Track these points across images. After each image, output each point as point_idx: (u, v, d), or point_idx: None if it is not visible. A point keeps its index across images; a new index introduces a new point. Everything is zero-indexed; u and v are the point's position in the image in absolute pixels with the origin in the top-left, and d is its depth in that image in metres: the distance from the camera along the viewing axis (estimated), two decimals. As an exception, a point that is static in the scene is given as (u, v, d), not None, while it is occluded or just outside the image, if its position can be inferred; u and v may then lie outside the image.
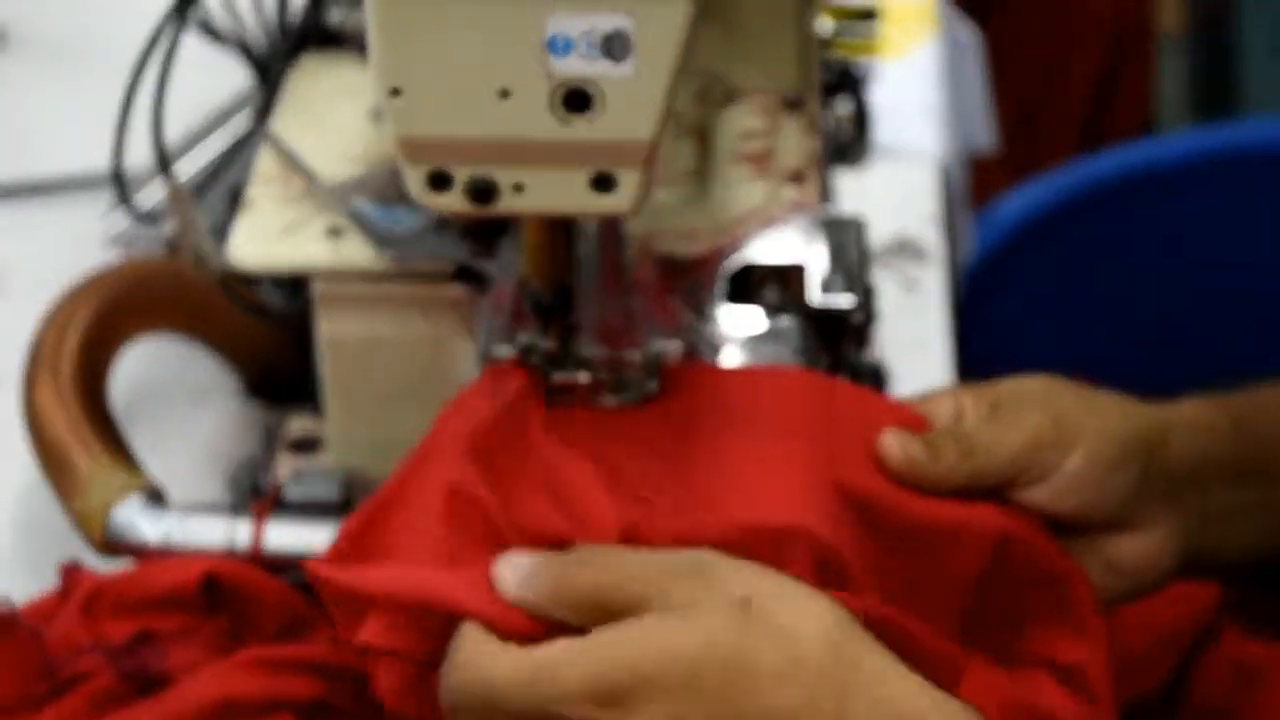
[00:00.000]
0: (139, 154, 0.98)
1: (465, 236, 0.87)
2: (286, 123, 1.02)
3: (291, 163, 0.99)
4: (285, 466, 1.01)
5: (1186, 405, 0.88)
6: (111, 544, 0.96)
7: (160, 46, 0.95)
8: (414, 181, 0.79)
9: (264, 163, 0.99)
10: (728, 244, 0.92)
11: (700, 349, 0.88)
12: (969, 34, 1.55)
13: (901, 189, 1.33)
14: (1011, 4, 2.22)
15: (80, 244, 1.23)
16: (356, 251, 0.93)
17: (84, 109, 1.10)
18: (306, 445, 1.03)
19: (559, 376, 0.85)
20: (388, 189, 0.96)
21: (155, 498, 0.98)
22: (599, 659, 0.69)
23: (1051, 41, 2.27)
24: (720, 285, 0.90)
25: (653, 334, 0.87)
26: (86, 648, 0.89)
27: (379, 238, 0.93)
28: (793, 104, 1.02)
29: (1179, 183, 1.87)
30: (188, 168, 1.13)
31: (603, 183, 0.79)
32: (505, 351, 0.85)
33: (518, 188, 0.79)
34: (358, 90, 1.01)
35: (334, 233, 0.94)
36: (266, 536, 0.96)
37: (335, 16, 1.05)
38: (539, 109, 0.77)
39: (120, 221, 1.23)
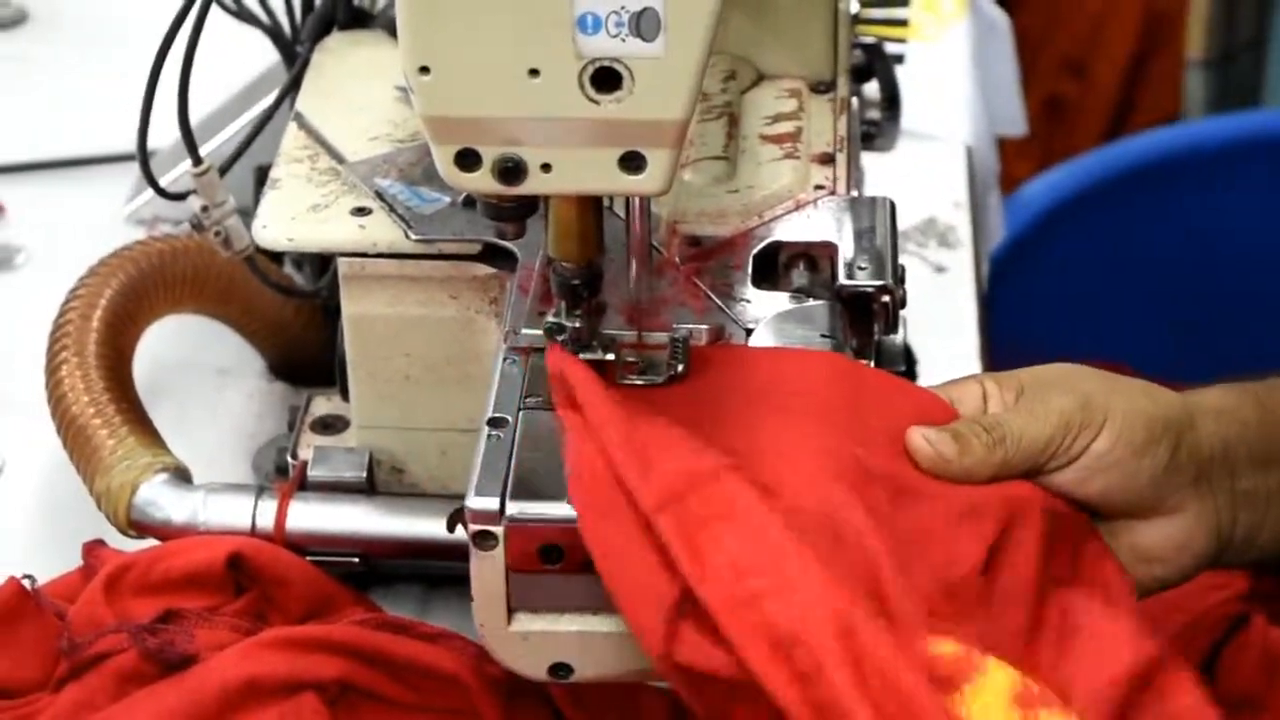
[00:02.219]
0: (164, 133, 0.99)
1: (492, 216, 0.86)
2: (313, 102, 1.02)
3: (318, 142, 0.99)
4: (309, 447, 1.01)
5: (1212, 391, 0.88)
6: (136, 523, 0.97)
7: (186, 25, 0.94)
8: (442, 160, 0.79)
9: (290, 142, 0.99)
10: (756, 226, 0.92)
11: (728, 330, 0.87)
12: (1000, 17, 1.55)
13: (930, 173, 1.33)
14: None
15: (104, 222, 1.25)
16: (383, 231, 0.93)
17: (108, 88, 1.13)
18: (330, 425, 1.04)
19: (585, 357, 0.85)
20: (414, 168, 0.96)
21: (180, 477, 0.98)
22: None
23: (1080, 32, 2.28)
24: (748, 267, 0.90)
25: (680, 315, 0.87)
26: (110, 627, 0.90)
27: (405, 217, 0.93)
28: (822, 86, 1.02)
29: (1207, 168, 1.88)
30: (213, 147, 1.14)
31: (632, 162, 0.79)
32: (529, 336, 0.86)
33: (546, 167, 0.79)
34: (384, 69, 1.01)
35: (360, 212, 0.94)
36: (291, 516, 0.96)
37: (363, -5, 1.06)
38: (568, 88, 0.76)
39: (145, 200, 1.25)
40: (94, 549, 0.97)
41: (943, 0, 1.48)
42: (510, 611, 0.83)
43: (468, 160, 0.79)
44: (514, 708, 0.90)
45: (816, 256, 0.91)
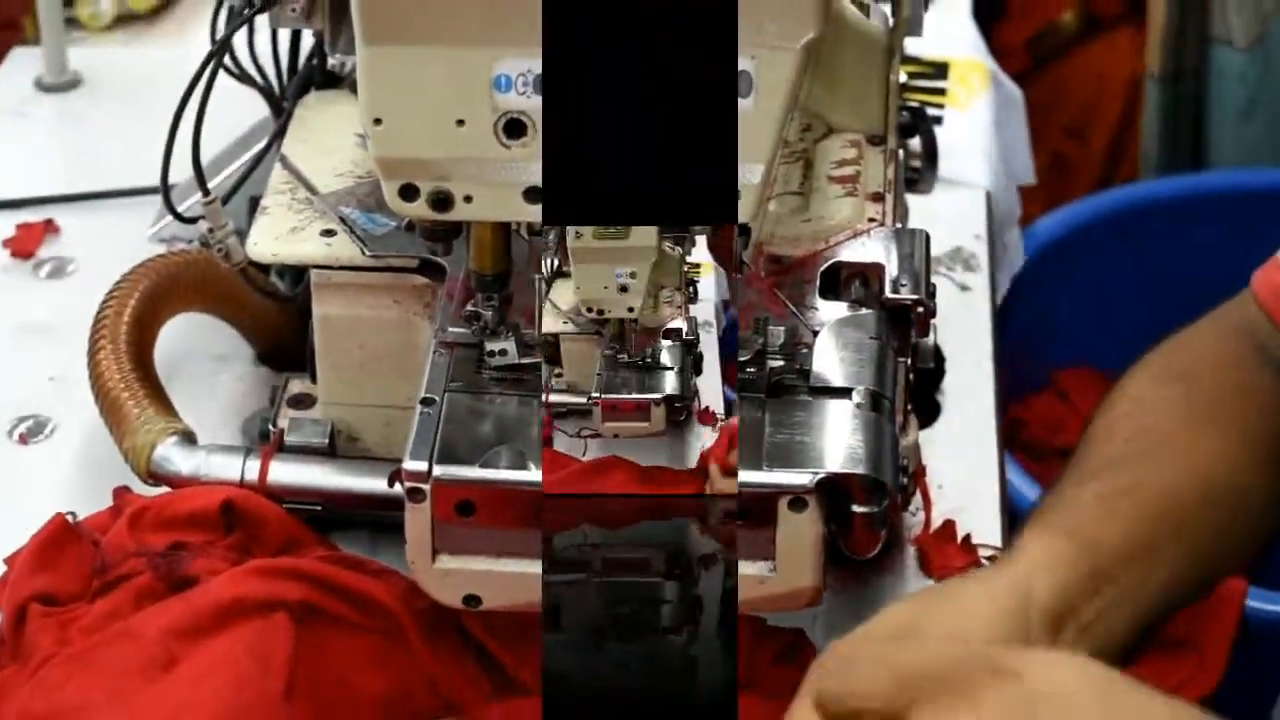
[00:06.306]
0: (181, 170, 1.02)
1: (427, 237, 0.91)
2: (294, 146, 1.07)
3: (297, 178, 1.05)
4: (286, 418, 1.06)
5: (1035, 545, 0.89)
6: (154, 475, 1.03)
7: (199, 86, 0.98)
8: (389, 193, 0.85)
9: (276, 178, 1.05)
10: (823, 249, 0.99)
11: (800, 331, 0.94)
12: (1016, 91, 1.67)
13: (957, 212, 1.42)
14: (1048, 75, 2.42)
15: (134, 240, 1.31)
16: (345, 248, 0.99)
17: (140, 135, 1.13)
18: (302, 401, 1.08)
19: (494, 345, 0.93)
20: (370, 199, 1.02)
21: (188, 439, 1.04)
22: None
23: (1079, 105, 2.47)
24: (816, 281, 0.97)
25: (765, 319, 0.95)
26: (132, 553, 0.97)
27: (363, 238, 0.99)
28: (876, 139, 1.08)
29: (1169, 213, 2.13)
30: (218, 181, 1.16)
31: (534, 195, 0.82)
32: (454, 333, 0.93)
33: (468, 198, 0.84)
34: (350, 121, 1.06)
35: (328, 233, 1.00)
36: (271, 473, 1.02)
37: (334, 62, 1.11)
38: (486, 134, 0.82)
39: (165, 223, 1.31)
40: (122, 493, 1.03)
41: (971, 76, 1.56)
42: (435, 553, 0.89)
43: (408, 193, 0.84)
44: (434, 632, 0.95)
45: (869, 275, 0.97)
